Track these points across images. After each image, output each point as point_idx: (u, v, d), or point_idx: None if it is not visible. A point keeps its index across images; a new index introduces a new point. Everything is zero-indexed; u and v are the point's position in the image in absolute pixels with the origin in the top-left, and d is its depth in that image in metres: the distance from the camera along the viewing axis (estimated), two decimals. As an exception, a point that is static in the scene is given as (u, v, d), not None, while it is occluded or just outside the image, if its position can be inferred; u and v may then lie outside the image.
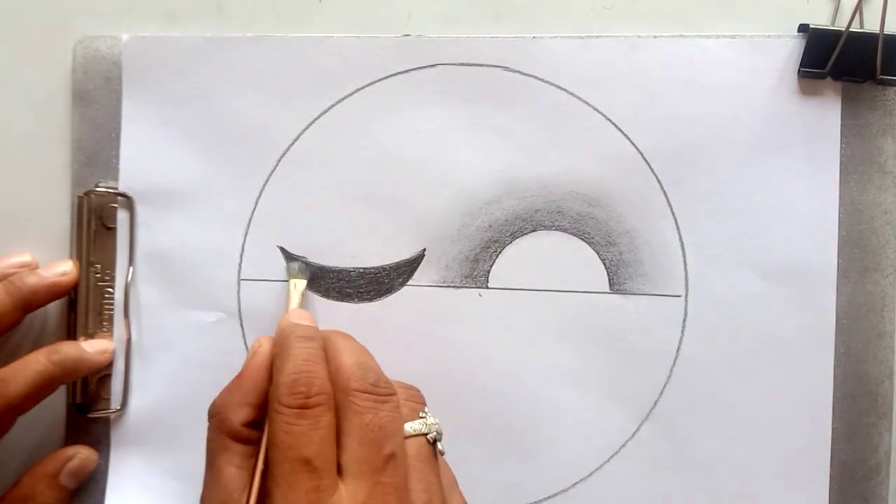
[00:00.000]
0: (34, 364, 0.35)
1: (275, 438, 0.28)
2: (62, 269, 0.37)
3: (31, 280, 0.36)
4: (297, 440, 0.28)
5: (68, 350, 0.36)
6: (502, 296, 0.37)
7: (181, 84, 0.38)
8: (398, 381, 0.32)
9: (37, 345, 0.38)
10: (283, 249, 0.38)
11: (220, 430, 0.30)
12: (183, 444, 0.38)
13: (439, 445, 0.31)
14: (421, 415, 0.31)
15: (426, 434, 0.30)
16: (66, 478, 0.37)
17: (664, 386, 0.36)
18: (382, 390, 0.30)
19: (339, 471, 0.28)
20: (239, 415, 0.30)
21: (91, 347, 0.37)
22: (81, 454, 0.37)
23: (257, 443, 0.30)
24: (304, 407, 0.28)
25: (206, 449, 0.30)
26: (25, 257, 0.38)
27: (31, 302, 0.36)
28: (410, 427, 0.30)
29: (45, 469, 0.36)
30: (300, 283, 0.37)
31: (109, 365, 0.38)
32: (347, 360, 0.30)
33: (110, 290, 0.38)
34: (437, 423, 0.31)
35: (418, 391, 0.33)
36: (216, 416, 0.30)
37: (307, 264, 0.37)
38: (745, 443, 0.36)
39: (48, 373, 0.35)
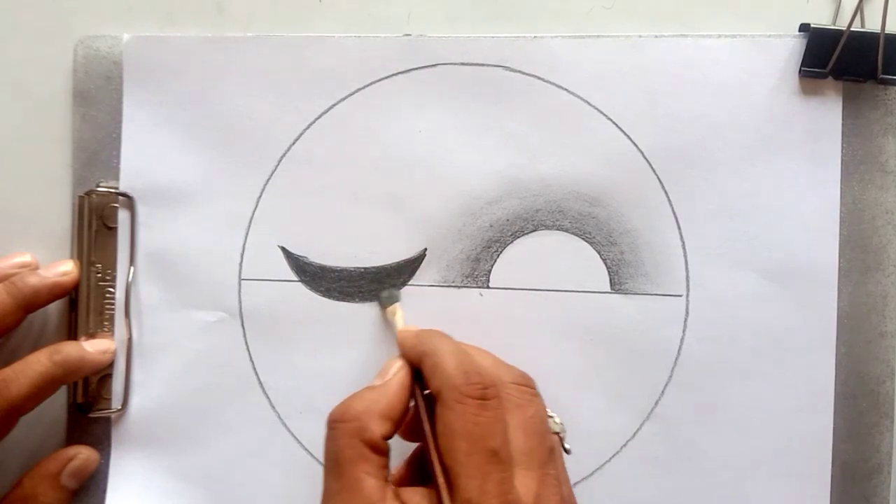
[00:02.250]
0: (35, 364, 0.35)
1: (462, 430, 0.28)
2: (63, 269, 0.37)
3: (32, 280, 0.36)
4: (485, 432, 0.28)
5: (69, 350, 0.36)
6: (503, 295, 0.37)
7: (182, 84, 0.38)
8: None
9: (38, 345, 0.38)
10: (283, 249, 0.38)
11: (359, 438, 0.29)
12: (184, 444, 0.38)
13: (566, 445, 0.32)
14: (550, 414, 0.32)
15: (558, 433, 0.32)
16: (67, 478, 0.37)
17: (665, 385, 0.36)
18: (533, 384, 0.31)
19: None
20: (382, 426, 0.29)
21: (92, 347, 0.37)
22: (82, 454, 0.37)
23: (388, 457, 0.30)
24: (484, 398, 0.28)
25: (330, 455, 0.29)
26: (26, 257, 0.38)
27: (32, 302, 0.36)
28: (551, 424, 0.31)
29: (46, 469, 0.36)
30: (397, 306, 0.37)
31: (110, 365, 0.38)
32: (487, 359, 0.31)
33: (111, 289, 0.38)
34: (563, 423, 0.32)
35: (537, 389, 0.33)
36: (352, 422, 0.29)
37: (392, 288, 0.37)
38: (747, 442, 0.36)
39: (49, 373, 0.35)
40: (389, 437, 0.30)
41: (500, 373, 0.30)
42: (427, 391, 0.31)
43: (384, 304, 0.37)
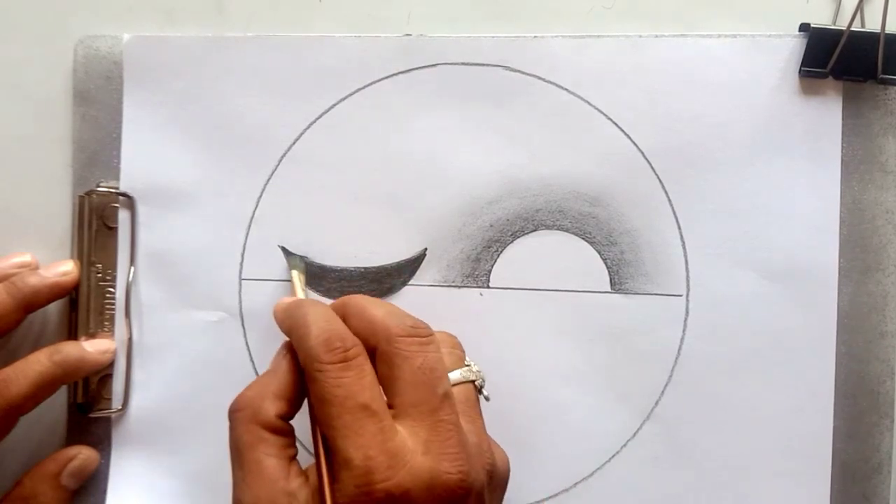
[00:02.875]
0: (35, 364, 0.35)
1: (327, 395, 0.28)
2: (63, 269, 0.37)
3: (33, 280, 0.36)
4: (350, 390, 0.28)
5: (69, 350, 0.36)
6: (503, 295, 0.37)
7: (182, 83, 0.38)
8: (438, 331, 0.32)
9: (38, 345, 0.38)
10: (284, 249, 0.38)
11: (254, 422, 0.29)
12: (184, 444, 0.38)
13: (484, 392, 0.32)
14: (466, 362, 0.32)
15: (473, 381, 0.31)
16: (67, 478, 0.37)
17: (665, 385, 0.36)
18: (424, 332, 0.30)
19: (394, 417, 0.28)
20: (275, 406, 0.29)
21: (92, 347, 0.37)
22: (83, 454, 0.37)
23: (290, 436, 0.30)
24: (345, 360, 0.28)
25: (232, 445, 0.30)
26: (26, 257, 0.38)
27: (33, 302, 0.36)
28: (459, 374, 0.31)
29: (46, 469, 0.36)
30: (301, 276, 0.37)
31: (110, 365, 0.38)
32: (377, 311, 0.31)
33: (111, 289, 0.38)
34: (481, 371, 0.32)
35: (458, 340, 0.33)
36: (246, 408, 0.30)
37: (302, 257, 0.37)
38: (747, 442, 0.36)
39: (50, 373, 0.35)
40: (286, 416, 0.30)
41: (388, 325, 0.30)
42: None
43: (291, 266, 0.37)
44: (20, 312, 0.36)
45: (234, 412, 0.30)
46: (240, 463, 0.29)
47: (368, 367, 0.29)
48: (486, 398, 0.32)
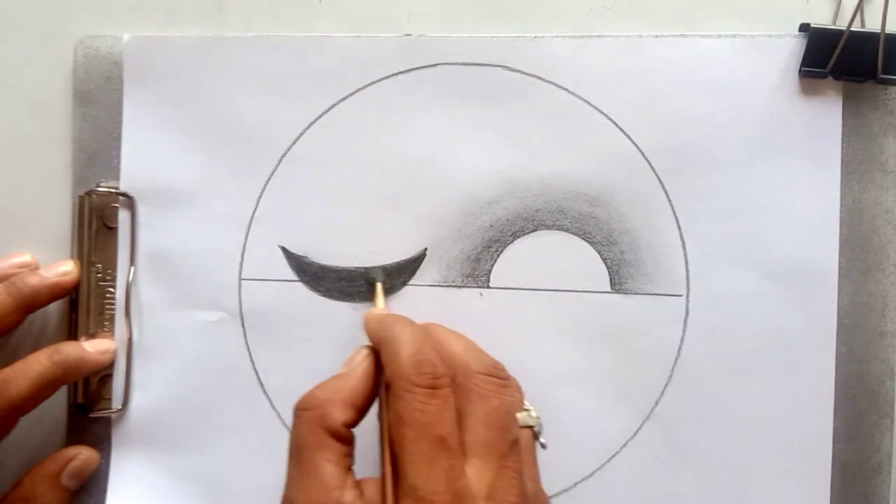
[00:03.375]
0: (35, 365, 0.35)
1: (409, 418, 0.27)
2: (63, 269, 0.37)
3: (33, 280, 0.36)
4: (432, 419, 0.27)
5: (69, 350, 0.36)
6: (503, 295, 0.37)
7: (182, 84, 0.38)
8: None
9: (38, 345, 0.38)
10: (284, 249, 0.38)
11: (320, 426, 0.29)
12: (184, 444, 0.38)
13: (542, 439, 0.32)
14: (526, 406, 0.31)
15: (532, 427, 0.31)
16: (67, 478, 0.37)
17: (665, 385, 0.36)
18: (503, 373, 0.30)
19: (462, 453, 0.28)
20: (344, 413, 0.29)
21: (92, 347, 0.37)
22: (83, 455, 0.37)
23: (351, 444, 0.29)
24: (434, 387, 0.28)
25: (293, 443, 0.29)
26: (26, 257, 0.38)
27: (33, 302, 0.36)
28: (520, 418, 0.31)
29: (46, 469, 0.36)
30: (380, 286, 0.37)
31: (111, 365, 0.38)
32: (458, 345, 0.31)
33: (111, 289, 0.38)
34: (539, 417, 0.32)
35: (517, 382, 0.32)
36: (315, 410, 0.29)
37: (382, 268, 0.37)
38: (747, 442, 0.36)
39: (50, 373, 0.35)
40: (352, 424, 0.30)
41: (468, 361, 0.30)
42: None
43: (372, 279, 0.37)
44: (20, 313, 0.36)
45: (302, 411, 0.30)
46: (298, 463, 0.29)
47: (452, 401, 0.28)
48: (544, 446, 0.32)
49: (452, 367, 0.30)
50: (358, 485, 0.28)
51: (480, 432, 0.28)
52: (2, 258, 0.38)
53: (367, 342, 0.32)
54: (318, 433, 0.29)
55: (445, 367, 0.29)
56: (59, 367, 0.35)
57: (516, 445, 0.29)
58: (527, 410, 0.31)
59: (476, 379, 0.29)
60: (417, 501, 0.26)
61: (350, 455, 0.29)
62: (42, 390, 0.35)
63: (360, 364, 0.31)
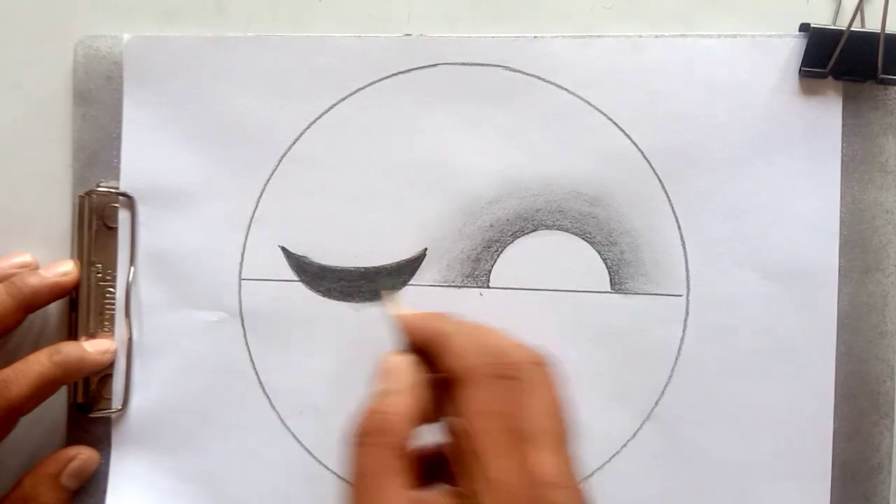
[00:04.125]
0: (35, 365, 0.35)
1: (484, 409, 0.27)
2: (63, 269, 0.37)
3: (33, 280, 0.36)
4: (507, 410, 0.27)
5: (70, 350, 0.36)
6: (503, 295, 0.37)
7: (182, 84, 0.38)
8: None
9: (38, 345, 0.38)
10: (283, 249, 0.38)
11: (395, 452, 0.27)
12: (184, 444, 0.38)
13: None
14: None
15: None
16: (67, 478, 0.37)
17: (665, 385, 0.36)
18: (550, 363, 0.30)
19: None
20: (410, 432, 0.28)
21: (92, 347, 0.37)
22: (83, 455, 0.37)
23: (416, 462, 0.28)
24: (504, 377, 0.28)
25: (360, 470, 0.27)
26: (26, 257, 0.38)
27: (33, 302, 0.36)
28: None
29: (46, 469, 0.36)
30: (398, 295, 0.37)
31: (111, 365, 0.38)
32: (500, 337, 0.30)
33: (111, 289, 0.38)
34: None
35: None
36: (390, 436, 0.27)
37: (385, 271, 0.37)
38: (747, 442, 0.36)
39: (50, 373, 0.35)
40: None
41: (518, 352, 0.29)
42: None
43: (386, 299, 0.37)
44: (20, 313, 0.36)
45: (374, 436, 0.27)
46: (368, 496, 0.27)
47: (521, 390, 0.28)
48: None
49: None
50: (421, 499, 0.27)
51: (544, 422, 0.28)
52: (2, 258, 0.38)
53: (387, 345, 0.32)
54: (391, 460, 0.27)
55: (508, 357, 0.29)
56: (59, 367, 0.35)
57: (570, 431, 0.29)
58: None
59: (529, 369, 0.29)
60: (500, 494, 0.26)
61: (412, 468, 0.28)
62: (42, 390, 0.35)
63: (410, 372, 0.29)
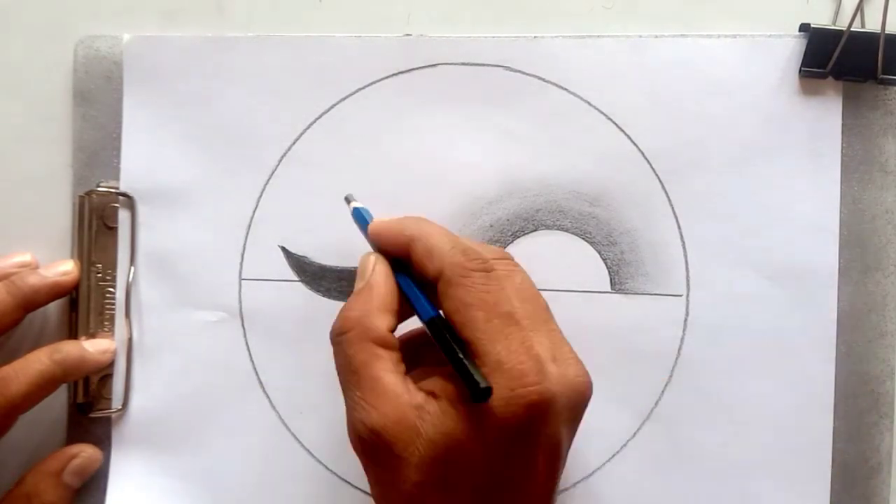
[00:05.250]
0: (35, 363, 0.35)
1: (476, 300, 0.28)
2: (63, 268, 0.38)
3: (33, 279, 0.36)
4: (496, 298, 0.28)
5: (70, 349, 0.36)
6: (503, 295, 0.37)
7: (182, 84, 0.38)
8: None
9: (37, 344, 0.38)
10: (283, 249, 0.38)
11: (367, 340, 0.29)
12: (184, 444, 0.38)
13: None
14: None
15: None
16: (69, 476, 0.37)
17: (665, 385, 0.36)
18: (510, 256, 0.31)
19: None
20: (384, 321, 0.29)
21: (93, 347, 0.37)
22: (85, 453, 0.37)
23: (399, 350, 0.29)
24: (487, 270, 0.29)
25: (343, 368, 0.29)
26: (26, 257, 0.38)
27: (32, 301, 0.36)
28: None
29: (48, 467, 0.36)
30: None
31: (111, 364, 0.38)
32: (466, 239, 0.31)
33: (111, 289, 0.38)
34: None
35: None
36: (356, 327, 0.29)
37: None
38: (747, 442, 0.36)
39: (49, 372, 0.35)
40: (393, 329, 0.30)
41: (486, 249, 0.30)
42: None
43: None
44: (20, 311, 0.36)
45: (342, 334, 0.29)
46: (356, 384, 0.28)
47: (509, 279, 0.29)
48: None
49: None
50: (419, 387, 0.28)
51: (522, 306, 0.29)
52: (2, 257, 0.38)
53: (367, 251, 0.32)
54: (367, 348, 0.29)
55: (482, 253, 0.30)
56: (59, 365, 0.35)
57: (549, 309, 0.30)
58: None
59: (500, 263, 0.30)
60: (507, 373, 0.27)
61: (402, 361, 0.29)
62: (41, 389, 0.35)
63: (377, 270, 0.31)
